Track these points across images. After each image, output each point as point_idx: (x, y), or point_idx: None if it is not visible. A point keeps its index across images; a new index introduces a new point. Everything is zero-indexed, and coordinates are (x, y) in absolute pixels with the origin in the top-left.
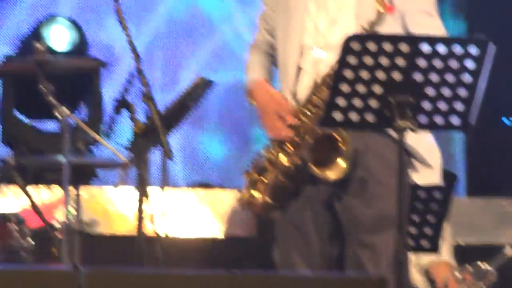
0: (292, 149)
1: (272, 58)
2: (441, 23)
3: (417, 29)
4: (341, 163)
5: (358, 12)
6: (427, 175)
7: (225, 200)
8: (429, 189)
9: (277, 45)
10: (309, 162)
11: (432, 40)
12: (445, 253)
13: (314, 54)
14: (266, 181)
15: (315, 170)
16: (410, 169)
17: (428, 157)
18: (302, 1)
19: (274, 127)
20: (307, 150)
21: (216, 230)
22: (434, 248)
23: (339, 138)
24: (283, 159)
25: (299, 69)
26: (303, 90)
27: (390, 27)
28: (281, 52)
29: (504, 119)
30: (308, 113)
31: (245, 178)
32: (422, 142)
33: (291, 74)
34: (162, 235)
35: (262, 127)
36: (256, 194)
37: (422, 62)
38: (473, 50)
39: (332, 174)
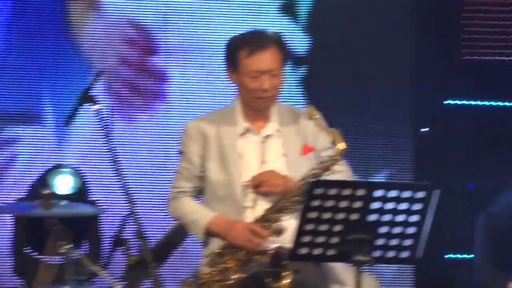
0: (236, 264)
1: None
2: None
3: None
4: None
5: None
6: None
7: None
8: None
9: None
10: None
11: (386, 186)
12: None
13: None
14: None
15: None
16: None
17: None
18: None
19: (250, 241)
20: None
21: None
22: None
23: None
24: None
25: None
26: None
27: (310, 161)
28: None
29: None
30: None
31: None
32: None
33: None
34: None
35: (238, 245)
36: None
37: (376, 205)
38: (421, 194)
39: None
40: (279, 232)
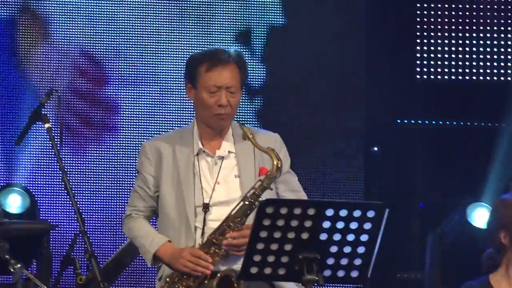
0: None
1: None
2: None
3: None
4: None
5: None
6: None
7: None
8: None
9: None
10: None
11: (337, 205)
12: None
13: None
14: None
15: None
16: None
17: None
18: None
19: (195, 268)
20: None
21: None
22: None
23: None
24: None
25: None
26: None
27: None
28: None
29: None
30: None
31: None
32: None
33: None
34: None
35: (184, 271)
36: None
37: (326, 224)
38: (371, 213)
39: None
40: (226, 254)
